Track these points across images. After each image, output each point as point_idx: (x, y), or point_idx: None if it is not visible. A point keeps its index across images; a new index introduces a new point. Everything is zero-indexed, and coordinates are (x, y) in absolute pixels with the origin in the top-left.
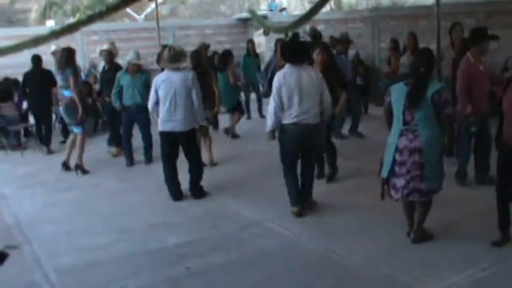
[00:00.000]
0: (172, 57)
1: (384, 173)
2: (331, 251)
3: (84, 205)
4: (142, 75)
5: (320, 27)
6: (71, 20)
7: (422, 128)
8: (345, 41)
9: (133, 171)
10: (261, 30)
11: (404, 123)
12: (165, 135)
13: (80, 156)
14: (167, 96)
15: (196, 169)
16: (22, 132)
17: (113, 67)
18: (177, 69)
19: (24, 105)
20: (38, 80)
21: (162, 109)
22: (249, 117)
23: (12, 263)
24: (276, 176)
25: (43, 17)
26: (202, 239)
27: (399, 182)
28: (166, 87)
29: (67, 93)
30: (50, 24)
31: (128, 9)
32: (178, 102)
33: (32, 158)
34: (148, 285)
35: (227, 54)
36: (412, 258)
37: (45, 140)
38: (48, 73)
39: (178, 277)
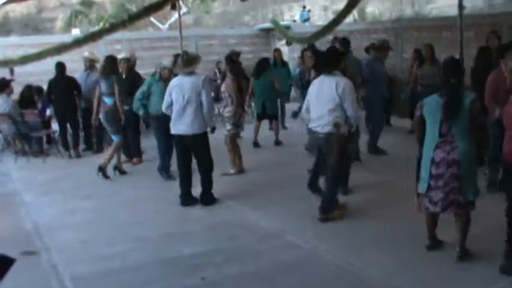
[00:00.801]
0: (186, 61)
1: (423, 189)
2: (348, 264)
3: (102, 213)
4: None
5: None
6: (96, 29)
7: (459, 139)
8: (384, 48)
9: (153, 180)
10: (284, 41)
11: (441, 135)
12: (176, 138)
13: (108, 161)
14: (178, 99)
15: (206, 174)
16: (44, 139)
17: (130, 76)
18: (190, 73)
19: (48, 112)
20: (63, 87)
21: (174, 112)
22: (270, 128)
23: (30, 269)
24: (297, 188)
25: (69, 25)
26: (219, 250)
27: (436, 195)
28: (178, 91)
29: (108, 101)
30: (75, 32)
31: (152, 19)
32: (188, 105)
33: (53, 164)
34: None
35: (264, 62)
36: (429, 273)
37: (73, 144)
38: (72, 80)
39: (193, 287)
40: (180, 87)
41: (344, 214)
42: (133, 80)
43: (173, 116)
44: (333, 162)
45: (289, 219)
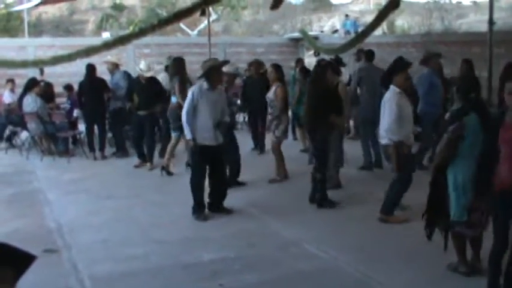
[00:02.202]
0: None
1: (463, 216)
2: (368, 277)
3: (124, 214)
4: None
5: None
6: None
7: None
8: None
9: (176, 184)
10: (312, 51)
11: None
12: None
13: (168, 159)
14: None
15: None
16: (70, 139)
17: (150, 82)
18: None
19: (75, 113)
20: (92, 88)
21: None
22: (295, 138)
23: (51, 267)
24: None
25: (99, 28)
26: (238, 257)
27: (475, 217)
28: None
29: (173, 99)
30: (106, 35)
31: (182, 25)
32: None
33: (78, 165)
34: None
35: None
36: None
37: (99, 145)
38: (102, 81)
39: None
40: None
41: (400, 220)
42: (153, 86)
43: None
44: (395, 170)
45: (310, 229)
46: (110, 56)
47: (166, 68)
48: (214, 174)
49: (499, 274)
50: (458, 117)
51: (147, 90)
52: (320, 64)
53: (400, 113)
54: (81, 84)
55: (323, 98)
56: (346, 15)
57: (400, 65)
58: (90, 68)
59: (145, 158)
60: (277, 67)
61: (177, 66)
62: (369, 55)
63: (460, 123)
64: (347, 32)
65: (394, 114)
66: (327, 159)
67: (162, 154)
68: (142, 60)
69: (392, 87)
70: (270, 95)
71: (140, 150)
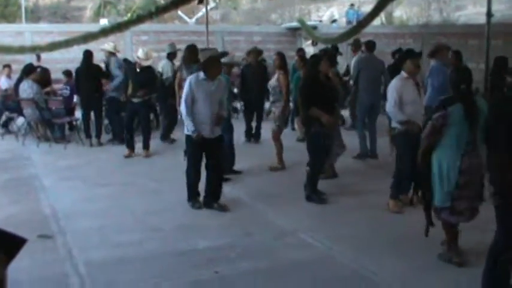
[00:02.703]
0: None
1: (446, 201)
2: (361, 266)
3: (120, 202)
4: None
5: None
6: (123, 19)
7: (481, 145)
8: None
9: (172, 171)
10: (310, 40)
11: (467, 143)
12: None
13: None
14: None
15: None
16: (67, 125)
17: (143, 70)
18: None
19: (75, 99)
20: (89, 75)
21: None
22: (293, 128)
23: (46, 253)
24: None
25: (97, 15)
26: (233, 245)
27: (460, 205)
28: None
29: None
30: (104, 22)
31: (180, 12)
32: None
33: (74, 151)
34: (176, 285)
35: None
36: (442, 281)
37: (96, 132)
38: (98, 68)
39: (206, 280)
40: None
41: (394, 207)
42: (146, 74)
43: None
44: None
45: (306, 219)
46: (107, 43)
47: (169, 55)
48: (210, 166)
49: (497, 267)
50: (444, 106)
51: (140, 78)
52: (315, 55)
53: (400, 98)
54: (77, 71)
55: (311, 90)
56: (352, 4)
57: (413, 53)
58: (87, 54)
59: (133, 147)
60: (282, 55)
61: (192, 54)
62: (370, 46)
63: (445, 112)
64: (349, 22)
65: (393, 99)
66: (318, 153)
67: (164, 138)
68: (141, 48)
69: (401, 73)
70: (272, 82)
71: (130, 139)
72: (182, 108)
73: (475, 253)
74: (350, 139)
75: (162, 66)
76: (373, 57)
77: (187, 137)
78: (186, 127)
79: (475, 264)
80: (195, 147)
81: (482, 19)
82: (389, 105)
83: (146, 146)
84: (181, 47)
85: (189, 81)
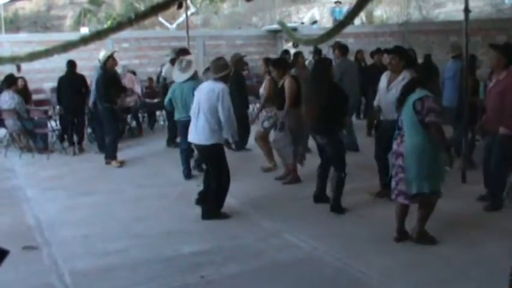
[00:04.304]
0: (215, 67)
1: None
2: (347, 265)
3: (104, 210)
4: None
5: (350, 41)
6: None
7: (408, 134)
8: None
9: (156, 178)
10: (291, 42)
11: (398, 128)
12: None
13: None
14: (195, 106)
15: (213, 190)
16: (50, 135)
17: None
18: (216, 79)
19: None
20: (73, 84)
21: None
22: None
23: (30, 264)
24: (299, 189)
25: (78, 23)
26: (219, 249)
27: (393, 183)
28: (196, 97)
29: None
30: (84, 31)
31: (160, 18)
32: (201, 114)
33: (57, 161)
34: None
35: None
36: (427, 278)
37: (78, 138)
38: (81, 77)
39: (192, 285)
40: (198, 93)
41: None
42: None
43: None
44: None
45: (290, 220)
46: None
47: (172, 61)
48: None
49: None
50: (403, 94)
51: (106, 82)
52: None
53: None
54: (60, 80)
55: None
56: (337, 2)
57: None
58: (71, 64)
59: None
60: (267, 60)
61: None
62: (344, 50)
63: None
64: (335, 20)
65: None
66: (344, 158)
67: (169, 144)
68: (102, 51)
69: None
70: (261, 90)
71: (102, 145)
72: (232, 116)
73: (459, 250)
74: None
75: (166, 70)
76: (349, 60)
77: (218, 146)
78: (219, 136)
79: (459, 261)
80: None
81: (461, 16)
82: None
83: (111, 156)
84: (163, 53)
85: (227, 91)
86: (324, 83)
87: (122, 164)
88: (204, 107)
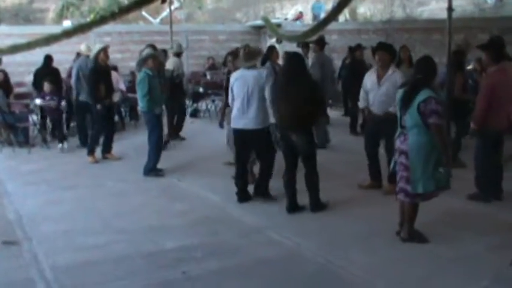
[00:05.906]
0: (246, 55)
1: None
2: (329, 262)
3: (86, 204)
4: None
5: (333, 38)
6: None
7: (411, 133)
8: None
9: (138, 173)
10: (275, 38)
11: (401, 126)
12: (236, 133)
13: None
14: (239, 93)
15: (265, 170)
16: (31, 129)
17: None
18: (251, 67)
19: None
20: (45, 77)
21: (235, 106)
22: None
23: (11, 259)
24: (280, 185)
25: (60, 17)
26: (201, 244)
27: (397, 179)
28: (240, 85)
29: None
30: (67, 24)
31: (144, 13)
32: (251, 100)
33: (38, 155)
34: (144, 287)
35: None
36: (411, 274)
37: (59, 136)
38: (56, 71)
39: (173, 281)
40: (242, 81)
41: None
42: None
43: (234, 111)
44: None
45: (273, 216)
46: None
47: (178, 54)
48: (258, 157)
49: None
50: (408, 94)
51: (96, 77)
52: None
53: None
54: (36, 73)
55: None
56: None
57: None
58: (48, 58)
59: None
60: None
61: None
62: (321, 44)
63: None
64: (315, 17)
65: None
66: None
67: (171, 135)
68: (83, 44)
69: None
70: None
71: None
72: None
73: (444, 246)
74: None
75: (173, 64)
76: (325, 55)
77: (268, 129)
78: (269, 120)
79: (442, 257)
80: (236, 143)
81: (444, 14)
82: None
83: (90, 151)
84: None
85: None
86: (302, 80)
87: (97, 161)
88: (254, 93)
